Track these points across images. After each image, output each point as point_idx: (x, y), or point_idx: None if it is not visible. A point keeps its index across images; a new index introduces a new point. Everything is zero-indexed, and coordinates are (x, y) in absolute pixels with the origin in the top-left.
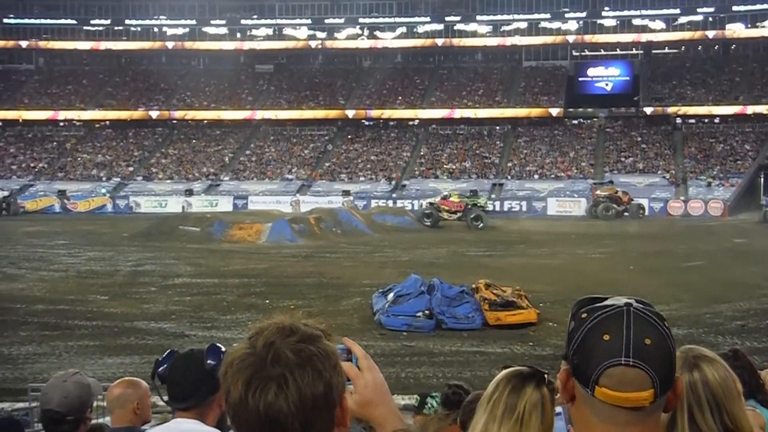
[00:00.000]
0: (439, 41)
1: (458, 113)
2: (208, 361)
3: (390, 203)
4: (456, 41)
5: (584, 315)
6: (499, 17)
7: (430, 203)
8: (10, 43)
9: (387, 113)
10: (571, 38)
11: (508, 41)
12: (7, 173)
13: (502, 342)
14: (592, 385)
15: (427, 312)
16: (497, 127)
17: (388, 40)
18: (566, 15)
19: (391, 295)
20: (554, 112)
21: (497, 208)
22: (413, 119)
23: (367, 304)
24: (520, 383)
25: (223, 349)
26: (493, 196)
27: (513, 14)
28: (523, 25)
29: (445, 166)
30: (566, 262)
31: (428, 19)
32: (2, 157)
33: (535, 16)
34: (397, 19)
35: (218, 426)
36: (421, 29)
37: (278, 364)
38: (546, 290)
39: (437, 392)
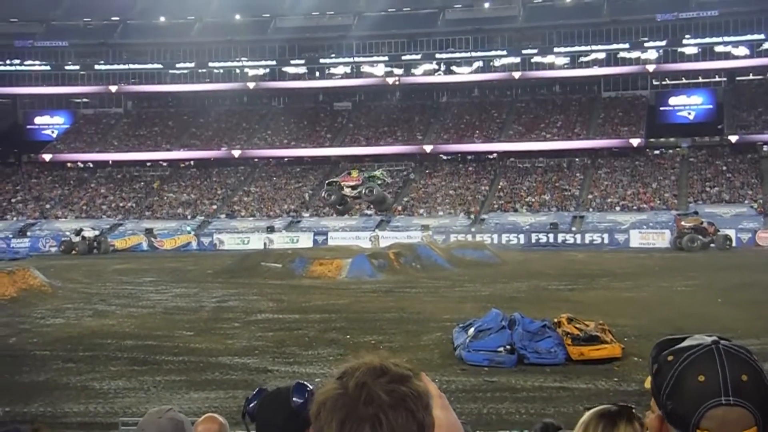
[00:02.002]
0: (516, 74)
1: (537, 146)
2: (294, 399)
3: (469, 237)
4: (533, 73)
5: (670, 357)
6: (576, 48)
7: (331, 182)
8: (101, 88)
9: (465, 147)
10: (651, 67)
11: (587, 72)
12: (98, 213)
13: (586, 377)
14: (693, 429)
15: (508, 347)
16: (576, 159)
17: (464, 75)
18: (645, 44)
19: (471, 330)
20: (635, 142)
21: (578, 241)
22: (491, 152)
23: (447, 339)
24: (612, 421)
25: (310, 387)
26: (573, 228)
27: (591, 45)
28: (602, 55)
29: (524, 199)
30: (651, 296)
31: (505, 52)
32: (93, 197)
33: (614, 46)
34: (474, 54)
35: None
36: (497, 63)
37: (371, 405)
38: (630, 324)
39: (519, 429)
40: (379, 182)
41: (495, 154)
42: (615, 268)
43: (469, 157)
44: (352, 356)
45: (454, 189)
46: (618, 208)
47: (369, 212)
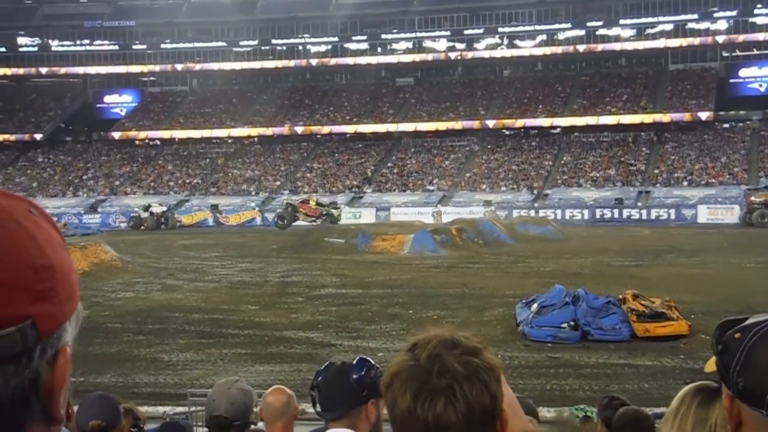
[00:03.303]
0: (581, 47)
1: (602, 120)
2: (353, 376)
3: (532, 213)
4: (598, 46)
5: (737, 335)
6: (643, 20)
7: (288, 205)
8: (167, 67)
9: (528, 122)
10: (720, 38)
11: (654, 44)
12: (165, 189)
13: (652, 354)
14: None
15: (572, 323)
16: (643, 134)
17: (528, 49)
18: (715, 15)
19: (534, 306)
20: (703, 116)
21: (644, 217)
22: (555, 127)
23: (510, 314)
24: (708, 397)
25: (371, 362)
26: (639, 204)
27: (658, 16)
28: (669, 26)
29: (588, 174)
30: (718, 272)
31: (569, 25)
32: (161, 174)
33: (682, 17)
34: (537, 27)
35: None
36: (561, 36)
37: (444, 376)
38: (697, 301)
39: (582, 406)
40: (334, 219)
41: (559, 129)
42: (682, 244)
43: (533, 132)
44: (415, 331)
45: (517, 164)
46: (685, 183)
47: (431, 188)
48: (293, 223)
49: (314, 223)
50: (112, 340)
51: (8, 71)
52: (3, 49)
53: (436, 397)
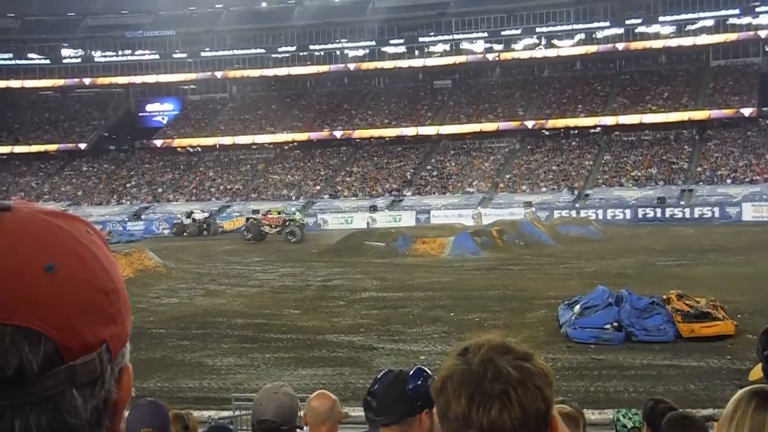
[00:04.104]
0: (620, 45)
1: (643, 118)
2: (409, 385)
3: (573, 213)
4: (637, 44)
5: None
6: (683, 16)
7: (250, 219)
8: (207, 75)
9: (568, 122)
10: (763, 33)
11: (694, 41)
12: (207, 195)
13: (697, 355)
14: None
15: (615, 324)
16: (684, 131)
17: (566, 48)
18: (757, 9)
19: (577, 307)
20: (747, 112)
21: (687, 215)
22: (595, 127)
23: (552, 316)
24: (764, 401)
25: (428, 372)
26: (682, 202)
27: (698, 12)
28: (710, 22)
29: (630, 173)
30: (765, 271)
31: (607, 23)
32: (202, 180)
33: (723, 12)
34: (575, 26)
35: None
36: (600, 34)
37: (498, 381)
38: (743, 300)
39: (628, 408)
40: (298, 224)
41: (599, 128)
42: (726, 242)
43: (572, 132)
44: (456, 333)
45: (557, 164)
46: (729, 181)
47: (471, 190)
48: (260, 236)
49: (278, 232)
50: (157, 345)
51: (53, 83)
52: (48, 61)
53: (490, 401)
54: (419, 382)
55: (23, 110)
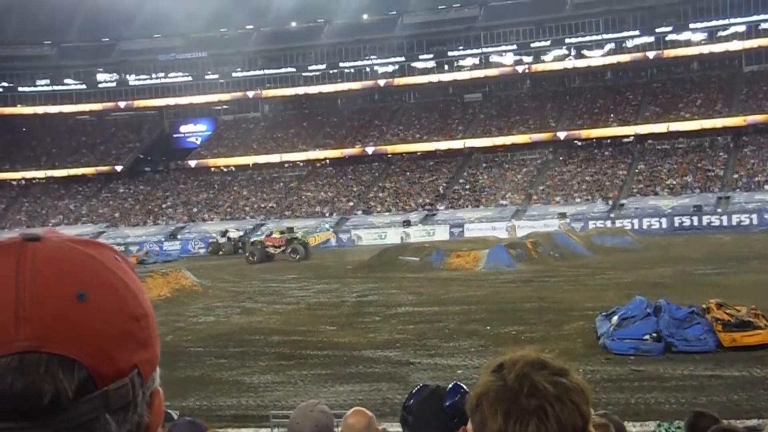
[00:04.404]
0: (651, 54)
1: (676, 126)
2: (446, 402)
3: (608, 224)
4: (669, 52)
5: None
6: (714, 23)
7: (254, 242)
8: (239, 95)
9: (600, 132)
10: None
11: (726, 47)
12: (242, 214)
13: (740, 365)
14: None
15: (654, 335)
16: (719, 138)
17: (596, 58)
18: None
19: (615, 318)
20: None
21: (725, 223)
22: (628, 136)
23: (590, 328)
24: None
25: (465, 388)
26: (719, 210)
27: (729, 18)
28: (742, 28)
29: (665, 182)
30: None
31: (637, 32)
32: (237, 199)
33: (755, 18)
34: (605, 36)
35: None
36: (630, 43)
37: (535, 397)
38: None
39: (670, 421)
40: (300, 242)
41: (632, 138)
42: (766, 250)
43: (605, 142)
44: (493, 347)
45: (591, 175)
46: (767, 187)
47: (504, 202)
48: (266, 258)
49: (282, 251)
50: (194, 364)
51: (89, 107)
52: (84, 86)
53: (527, 417)
54: (456, 399)
55: (61, 135)
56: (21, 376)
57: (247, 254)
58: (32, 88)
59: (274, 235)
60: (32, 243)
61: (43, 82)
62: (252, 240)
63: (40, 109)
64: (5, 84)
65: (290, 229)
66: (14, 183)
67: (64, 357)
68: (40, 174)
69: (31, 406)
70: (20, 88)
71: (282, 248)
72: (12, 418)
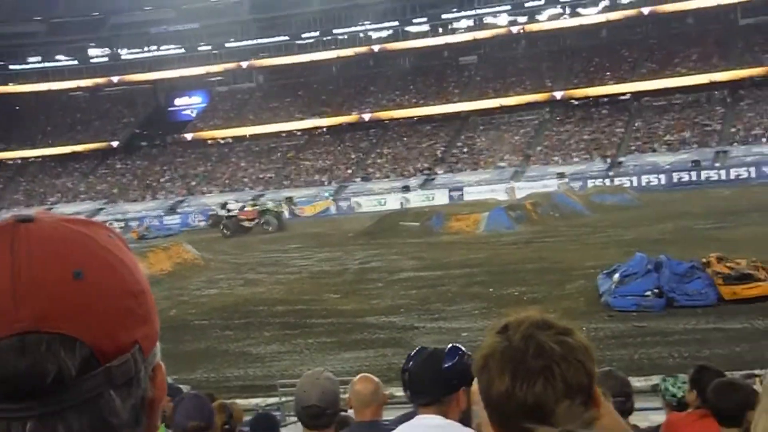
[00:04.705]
0: (645, 10)
1: (672, 82)
2: (445, 363)
3: (607, 182)
4: (663, 7)
5: None
6: None
7: (227, 216)
8: (233, 65)
9: (596, 90)
10: None
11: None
12: (240, 186)
13: (741, 317)
14: None
15: (656, 290)
16: (716, 93)
17: (591, 16)
18: None
19: (616, 276)
20: None
21: (722, 177)
22: (624, 94)
23: (592, 286)
24: None
25: (463, 350)
26: (717, 164)
27: None
28: None
29: (662, 138)
30: None
31: None
32: (235, 171)
33: None
34: None
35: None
36: (625, 0)
37: (541, 357)
38: None
39: (675, 377)
40: (272, 214)
41: (628, 95)
42: (765, 202)
43: (602, 101)
44: (496, 309)
45: (588, 134)
46: (765, 140)
47: (502, 164)
48: (242, 231)
49: (255, 224)
50: (200, 336)
51: (82, 83)
52: (76, 62)
53: (534, 377)
54: (455, 361)
55: (55, 112)
56: (23, 356)
57: (221, 228)
58: (24, 66)
59: (246, 209)
60: (25, 224)
61: (35, 59)
62: (227, 214)
63: (33, 87)
64: None
65: (266, 205)
66: (10, 162)
67: (65, 336)
68: (36, 153)
69: (35, 386)
70: (11, 66)
71: (255, 221)
72: (17, 398)
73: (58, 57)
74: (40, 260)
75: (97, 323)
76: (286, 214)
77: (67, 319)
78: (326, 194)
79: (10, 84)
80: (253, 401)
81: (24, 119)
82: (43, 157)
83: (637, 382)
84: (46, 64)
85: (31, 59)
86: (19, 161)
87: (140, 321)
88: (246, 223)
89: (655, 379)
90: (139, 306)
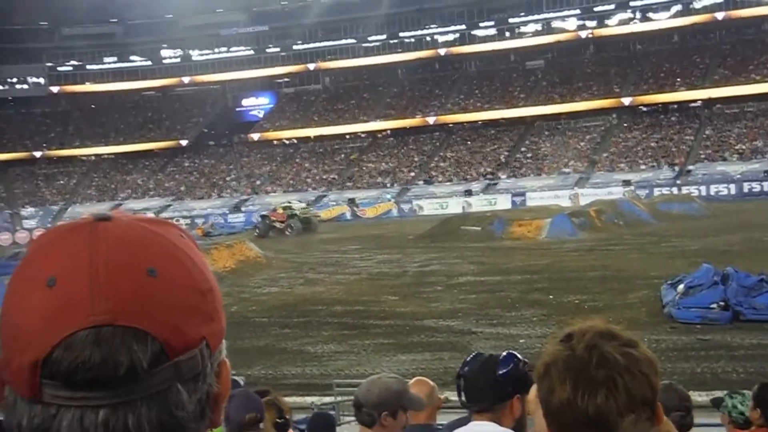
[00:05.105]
0: (719, 15)
1: (746, 89)
2: (500, 370)
3: (674, 190)
4: (738, 12)
5: None
6: None
7: (263, 216)
8: (300, 67)
9: (666, 97)
10: None
11: None
12: (304, 186)
13: None
14: None
15: (722, 303)
16: None
17: (662, 21)
18: None
19: (681, 287)
20: None
21: None
22: (695, 100)
23: (655, 296)
24: None
25: (519, 357)
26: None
27: None
28: None
29: (734, 147)
30: None
31: None
32: (299, 171)
33: None
34: None
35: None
36: (698, 4)
37: (604, 367)
38: None
39: (741, 393)
40: (301, 217)
41: (699, 102)
42: None
43: (671, 107)
44: (555, 316)
45: (656, 141)
46: None
47: (567, 170)
48: (269, 232)
49: (287, 227)
50: (260, 333)
51: (154, 83)
52: (149, 63)
53: (596, 387)
54: (510, 367)
55: (128, 111)
56: (98, 348)
57: (254, 228)
58: (100, 66)
59: (277, 211)
60: (104, 223)
61: (110, 59)
62: (261, 214)
63: (108, 87)
64: (74, 62)
65: (288, 206)
66: (84, 159)
67: (137, 329)
68: (109, 150)
69: (109, 377)
70: (88, 66)
71: (284, 223)
72: (91, 387)
73: (132, 58)
74: (116, 257)
75: (167, 319)
76: (314, 218)
77: (139, 314)
78: (388, 196)
79: (87, 83)
80: (309, 399)
81: (99, 117)
82: (116, 154)
83: (698, 397)
84: (121, 65)
85: (107, 60)
86: (93, 158)
87: (208, 318)
88: (277, 224)
89: (718, 395)
90: (207, 304)
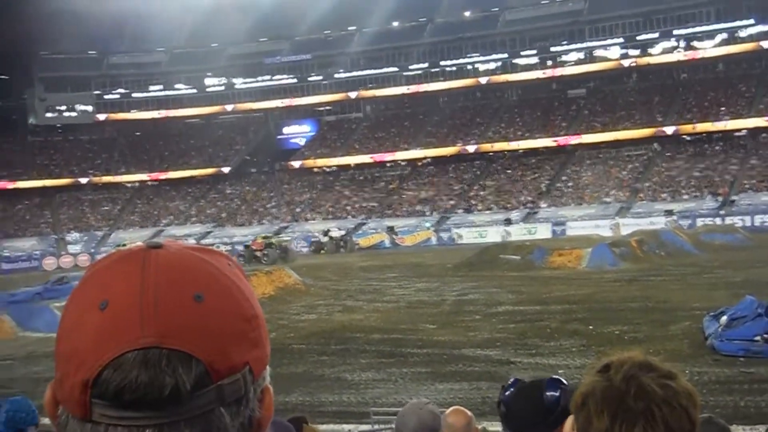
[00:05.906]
0: (765, 44)
1: None
2: (548, 393)
3: (718, 221)
4: None
5: None
6: None
7: (246, 246)
8: (341, 96)
9: (710, 126)
10: None
11: None
12: (344, 214)
13: None
14: None
15: (766, 336)
16: None
17: (707, 50)
18: None
19: (724, 318)
20: None
21: None
22: (740, 130)
23: (697, 328)
24: None
25: (564, 382)
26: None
27: None
28: None
29: None
30: None
31: (752, 21)
32: (339, 199)
33: None
34: (716, 26)
35: None
36: (743, 33)
37: (642, 399)
38: None
39: None
40: (275, 248)
41: (744, 131)
42: None
43: (715, 136)
44: (595, 347)
45: (700, 170)
46: None
47: (608, 200)
48: (253, 260)
49: (263, 256)
50: (298, 360)
51: (198, 111)
52: (194, 91)
53: (634, 419)
54: (558, 394)
55: (171, 138)
56: (145, 369)
57: (239, 255)
58: (146, 94)
59: (258, 241)
60: (155, 250)
61: (156, 87)
62: (245, 244)
63: (154, 114)
64: (121, 90)
65: (267, 237)
66: (129, 185)
67: (183, 353)
68: (152, 176)
69: (154, 398)
70: (134, 95)
71: (263, 252)
72: (138, 408)
73: (177, 86)
74: (165, 283)
75: (212, 343)
76: (293, 247)
77: (186, 337)
78: (427, 225)
79: (133, 111)
80: (346, 427)
81: (143, 144)
82: (159, 180)
83: (741, 431)
84: (167, 93)
85: (152, 88)
86: (137, 184)
87: (252, 344)
88: (257, 253)
89: (761, 429)
90: (252, 330)
